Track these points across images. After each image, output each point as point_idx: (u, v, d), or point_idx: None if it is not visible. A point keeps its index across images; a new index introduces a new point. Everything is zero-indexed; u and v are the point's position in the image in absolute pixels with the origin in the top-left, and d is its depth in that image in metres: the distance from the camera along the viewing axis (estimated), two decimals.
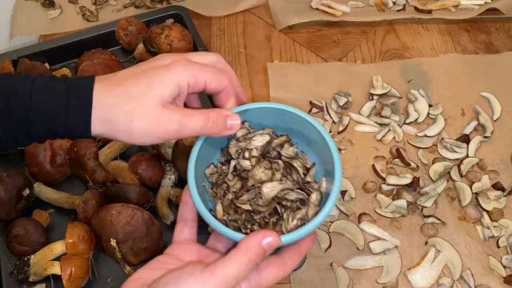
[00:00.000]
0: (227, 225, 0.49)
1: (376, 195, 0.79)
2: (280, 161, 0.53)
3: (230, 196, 0.52)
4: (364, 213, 0.77)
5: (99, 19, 1.06)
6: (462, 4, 1.04)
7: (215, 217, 0.50)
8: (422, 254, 0.73)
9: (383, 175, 0.80)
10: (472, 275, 0.70)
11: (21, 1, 1.11)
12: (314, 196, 0.51)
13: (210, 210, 0.50)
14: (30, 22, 1.06)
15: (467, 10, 1.04)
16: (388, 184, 0.79)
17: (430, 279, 0.70)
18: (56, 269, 0.68)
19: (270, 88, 0.93)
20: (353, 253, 0.73)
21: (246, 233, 0.47)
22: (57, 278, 0.67)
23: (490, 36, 1.02)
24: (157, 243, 0.69)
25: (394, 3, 1.06)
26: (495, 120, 0.87)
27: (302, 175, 0.53)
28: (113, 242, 0.67)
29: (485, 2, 1.04)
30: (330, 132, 0.86)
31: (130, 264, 0.70)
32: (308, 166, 0.55)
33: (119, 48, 0.99)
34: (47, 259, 0.68)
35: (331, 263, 0.72)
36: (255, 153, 0.52)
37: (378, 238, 0.74)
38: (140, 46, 0.95)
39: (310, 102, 0.90)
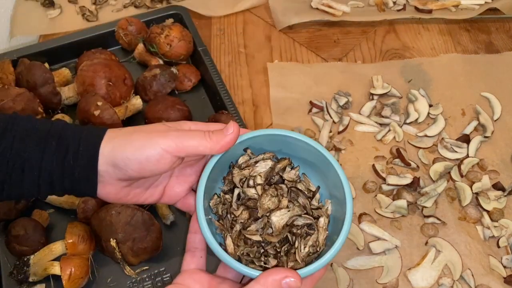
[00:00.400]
0: (240, 260, 0.49)
1: (376, 195, 0.79)
2: (284, 186, 0.53)
3: (238, 227, 0.51)
4: (364, 213, 0.77)
5: (99, 19, 1.06)
6: (462, 4, 1.04)
7: (226, 251, 0.49)
8: (423, 254, 0.73)
9: (383, 175, 0.80)
10: (473, 275, 0.70)
11: (21, 1, 1.10)
12: (322, 220, 0.51)
13: (220, 244, 0.49)
14: (30, 22, 1.06)
15: (468, 10, 1.04)
16: (388, 184, 0.79)
17: (430, 279, 0.70)
18: (56, 269, 0.67)
19: (270, 88, 0.93)
20: (353, 253, 0.73)
21: (261, 266, 0.47)
22: (57, 278, 0.67)
23: (491, 36, 1.02)
24: (157, 243, 0.69)
25: (394, 3, 1.06)
26: (495, 120, 0.87)
27: (308, 200, 0.53)
28: (113, 242, 0.67)
29: (486, 2, 1.04)
30: (331, 132, 0.86)
31: (130, 264, 0.70)
32: (312, 189, 0.55)
33: (119, 48, 0.98)
34: (47, 259, 0.68)
35: (331, 263, 0.72)
36: (259, 180, 0.52)
37: (378, 238, 0.74)
38: (140, 46, 0.95)
39: (310, 102, 0.90)
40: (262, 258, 0.49)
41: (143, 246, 0.68)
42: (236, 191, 0.53)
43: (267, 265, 0.49)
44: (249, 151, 0.54)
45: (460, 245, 0.73)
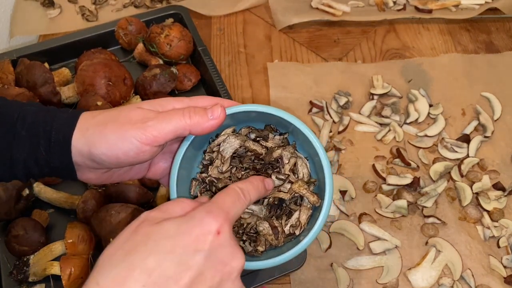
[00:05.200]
0: None
1: (376, 195, 0.78)
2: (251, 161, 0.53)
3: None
4: (364, 213, 0.77)
5: (98, 19, 1.06)
6: (462, 4, 1.04)
7: None
8: (423, 254, 0.73)
9: (384, 175, 0.80)
10: (473, 275, 0.70)
11: (21, 0, 1.10)
12: (306, 200, 0.51)
13: None
14: (29, 22, 1.06)
15: (468, 9, 1.04)
16: (389, 184, 0.79)
17: (431, 279, 0.70)
18: (55, 269, 0.67)
19: (270, 87, 0.93)
20: (353, 253, 0.73)
21: (241, 247, 0.48)
22: (56, 278, 0.67)
23: (491, 36, 1.02)
24: None
25: (394, 2, 1.06)
26: (495, 120, 0.87)
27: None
28: None
29: (486, 2, 1.04)
30: (331, 132, 0.86)
31: None
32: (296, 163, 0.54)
33: (119, 48, 0.98)
34: (47, 259, 0.68)
35: (331, 263, 0.72)
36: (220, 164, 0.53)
37: (379, 238, 0.74)
38: (140, 46, 0.95)
39: (310, 101, 0.90)
40: (243, 237, 0.50)
41: None
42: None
43: (244, 248, 0.50)
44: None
45: (460, 245, 0.73)
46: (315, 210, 0.52)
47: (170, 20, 0.97)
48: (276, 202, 0.51)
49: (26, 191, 0.74)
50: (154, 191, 0.76)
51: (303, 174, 0.52)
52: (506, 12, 1.02)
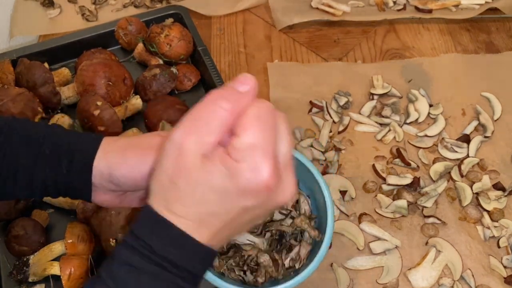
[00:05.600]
0: (223, 274, 0.50)
1: (376, 195, 0.78)
2: None
3: None
4: (364, 213, 0.76)
5: (98, 19, 1.06)
6: (462, 4, 1.03)
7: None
8: (423, 254, 0.73)
9: (384, 175, 0.80)
10: (473, 276, 0.70)
11: (21, 0, 1.10)
12: (307, 234, 0.52)
13: None
14: (29, 22, 1.06)
15: (468, 9, 1.04)
16: (389, 184, 0.79)
17: (431, 280, 0.70)
18: (55, 269, 0.67)
19: (270, 88, 0.93)
20: (353, 253, 0.73)
21: (240, 276, 0.48)
22: (56, 278, 0.67)
23: (491, 36, 1.02)
24: None
25: (394, 2, 1.06)
26: (495, 120, 0.87)
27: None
28: (112, 242, 0.67)
29: (486, 2, 1.03)
30: (331, 132, 0.86)
31: None
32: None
33: (119, 48, 0.98)
34: (47, 260, 0.68)
35: (331, 263, 0.72)
36: None
37: (379, 238, 0.74)
38: (140, 46, 0.95)
39: (310, 102, 0.90)
40: (244, 267, 0.50)
41: None
42: None
43: (244, 277, 0.50)
44: None
45: (461, 245, 0.73)
46: (315, 246, 0.52)
47: (170, 20, 0.97)
48: (277, 237, 0.52)
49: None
50: None
51: (304, 210, 0.53)
52: (506, 12, 1.02)
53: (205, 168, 0.36)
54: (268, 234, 0.52)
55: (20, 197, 0.50)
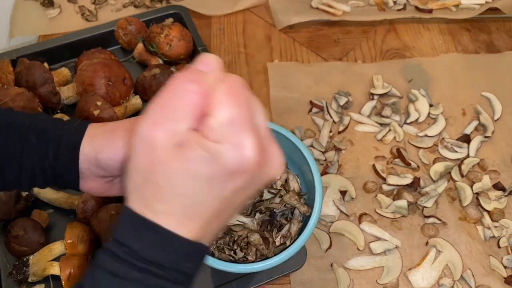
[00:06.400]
0: (213, 254, 0.50)
1: (376, 195, 0.78)
2: None
3: None
4: (364, 213, 0.76)
5: (98, 19, 1.06)
6: (462, 4, 1.03)
7: None
8: (423, 255, 0.72)
9: (384, 175, 0.80)
10: (473, 276, 0.70)
11: (21, 0, 1.10)
12: (297, 212, 0.52)
13: None
14: (29, 22, 1.06)
15: (468, 9, 1.04)
16: (389, 184, 0.79)
17: (431, 280, 0.70)
18: (55, 269, 0.67)
19: (270, 88, 0.93)
20: (353, 253, 0.73)
21: (230, 255, 0.48)
22: (56, 278, 0.67)
23: (491, 36, 1.01)
24: None
25: (394, 2, 1.06)
26: (496, 120, 0.87)
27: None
28: None
29: (486, 2, 1.03)
30: (331, 132, 0.86)
31: None
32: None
33: (119, 48, 0.98)
34: (46, 260, 0.68)
35: (332, 264, 0.71)
36: None
37: (379, 239, 0.74)
38: (140, 46, 0.95)
39: (311, 101, 0.90)
40: (234, 246, 0.50)
41: None
42: None
43: (235, 256, 0.50)
44: None
45: (461, 245, 0.73)
46: (305, 223, 0.52)
47: (170, 20, 0.97)
48: (267, 218, 0.52)
49: (26, 191, 0.74)
50: None
51: (293, 188, 0.53)
52: (506, 12, 1.02)
53: (183, 156, 0.33)
54: (258, 214, 0.52)
55: (7, 188, 0.49)
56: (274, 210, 0.52)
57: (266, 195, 0.52)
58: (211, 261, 0.48)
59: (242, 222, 0.51)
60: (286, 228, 0.52)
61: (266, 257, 0.51)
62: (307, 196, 0.54)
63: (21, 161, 0.47)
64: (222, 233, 0.51)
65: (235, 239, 0.51)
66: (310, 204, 0.52)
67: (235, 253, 0.51)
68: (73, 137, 0.48)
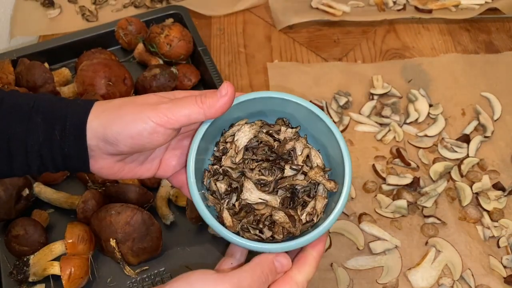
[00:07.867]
0: (238, 233, 0.49)
1: (376, 195, 0.78)
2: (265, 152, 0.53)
3: (233, 197, 0.51)
4: (364, 213, 0.77)
5: (98, 19, 1.06)
6: (462, 4, 1.04)
7: (223, 224, 0.49)
8: (423, 254, 0.73)
9: (384, 175, 0.80)
10: (473, 275, 0.70)
11: (21, 1, 1.10)
12: (322, 188, 0.51)
13: (217, 217, 0.49)
14: (29, 22, 1.06)
15: (468, 9, 1.04)
16: (389, 184, 0.79)
17: (431, 279, 0.70)
18: (55, 269, 0.67)
19: (270, 88, 0.93)
20: (353, 253, 0.73)
21: (256, 235, 0.47)
22: (56, 278, 0.67)
23: (491, 36, 1.02)
24: (156, 243, 0.69)
25: (394, 2, 1.06)
26: (495, 120, 0.87)
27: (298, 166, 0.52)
28: (112, 242, 0.67)
29: (486, 2, 1.04)
30: None
31: (129, 264, 0.70)
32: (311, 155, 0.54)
33: (119, 48, 0.98)
34: (47, 259, 0.68)
35: (331, 263, 0.72)
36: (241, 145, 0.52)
37: (379, 238, 0.74)
38: (140, 46, 0.95)
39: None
40: (260, 225, 0.49)
41: (143, 246, 0.68)
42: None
43: (261, 235, 0.49)
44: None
45: (460, 245, 0.73)
46: (331, 199, 0.51)
47: (170, 20, 0.97)
48: (288, 195, 0.51)
49: (26, 191, 0.74)
50: (154, 191, 0.76)
51: (317, 164, 0.52)
52: (506, 12, 1.02)
53: None
54: (280, 192, 0.51)
55: (17, 173, 0.48)
56: (296, 187, 0.51)
57: (288, 172, 0.51)
58: (240, 240, 0.47)
59: (264, 200, 0.50)
60: (311, 205, 0.50)
61: (294, 235, 0.50)
62: (331, 172, 0.52)
63: (26, 143, 0.46)
64: (245, 213, 0.50)
65: (259, 218, 0.50)
66: (335, 180, 0.50)
67: (261, 232, 0.50)
68: (80, 115, 0.46)
